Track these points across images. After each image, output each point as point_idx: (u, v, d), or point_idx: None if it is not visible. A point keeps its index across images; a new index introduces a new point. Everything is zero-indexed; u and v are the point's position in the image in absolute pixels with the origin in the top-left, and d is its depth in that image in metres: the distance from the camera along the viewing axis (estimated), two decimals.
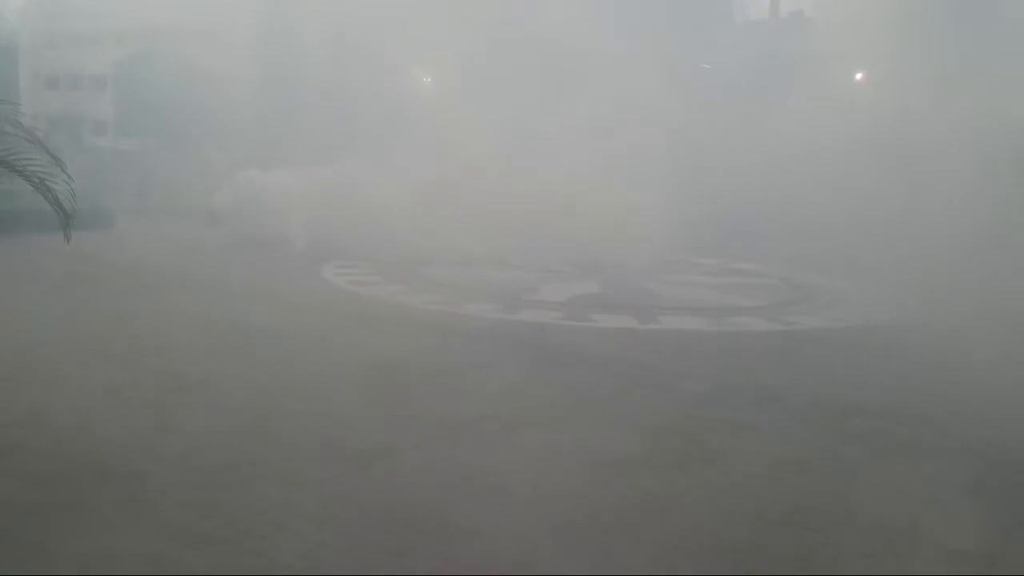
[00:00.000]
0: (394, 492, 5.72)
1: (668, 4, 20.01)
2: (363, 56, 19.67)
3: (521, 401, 7.90)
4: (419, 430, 6.92)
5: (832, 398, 8.42)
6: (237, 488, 5.65)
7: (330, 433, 6.79)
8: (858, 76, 22.13)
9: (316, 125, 19.80)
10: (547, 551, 4.99)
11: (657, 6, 19.57)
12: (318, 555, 4.83)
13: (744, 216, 15.89)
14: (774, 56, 20.10)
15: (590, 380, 8.82)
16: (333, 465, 6.13)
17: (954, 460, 6.80)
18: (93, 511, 5.22)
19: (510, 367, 9.22)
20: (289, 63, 23.67)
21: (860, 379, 9.34)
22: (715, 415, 7.72)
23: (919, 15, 17.29)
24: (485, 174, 15.79)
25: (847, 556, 5.09)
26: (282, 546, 4.90)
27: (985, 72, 16.47)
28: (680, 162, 15.74)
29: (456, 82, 18.83)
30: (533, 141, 16.18)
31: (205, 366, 8.59)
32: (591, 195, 15.25)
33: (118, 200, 18.50)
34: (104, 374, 8.13)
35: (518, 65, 17.45)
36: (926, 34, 16.97)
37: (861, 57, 20.47)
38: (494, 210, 14.94)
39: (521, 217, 14.92)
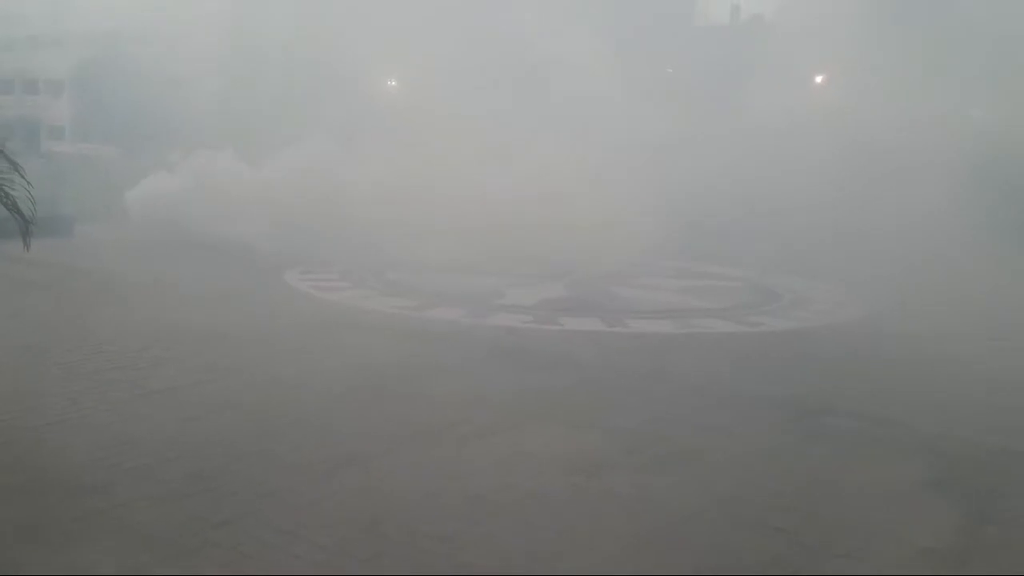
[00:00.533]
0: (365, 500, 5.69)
1: (629, 9, 20.12)
2: (331, 57, 19.48)
3: (491, 404, 7.88)
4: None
5: (796, 398, 8.52)
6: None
7: (300, 441, 6.73)
8: (818, 79, 22.41)
9: (280, 126, 19.56)
10: (520, 557, 4.99)
11: (618, 11, 19.67)
12: (289, 565, 4.79)
13: (710, 220, 16.00)
14: (735, 60, 20.29)
15: (560, 383, 8.82)
16: (302, 474, 6.08)
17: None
18: (57, 524, 5.13)
19: (480, 371, 9.20)
20: (254, 65, 23.43)
21: (824, 380, 9.44)
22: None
23: (877, 18, 17.55)
24: (451, 176, 15.73)
25: (818, 558, 5.16)
26: (250, 555, 4.85)
27: (945, 74, 16.78)
28: (646, 167, 15.76)
29: (422, 85, 18.74)
30: (499, 147, 16.13)
31: (166, 373, 8.48)
32: (558, 199, 15.24)
33: (77, 205, 18.15)
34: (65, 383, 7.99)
35: (484, 70, 17.42)
36: (885, 37, 17.23)
37: (821, 61, 20.74)
38: (460, 213, 14.91)
39: (488, 221, 14.87)
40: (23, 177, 6.80)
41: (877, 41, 17.26)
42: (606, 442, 6.97)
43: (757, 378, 9.35)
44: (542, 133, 16.10)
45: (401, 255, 15.14)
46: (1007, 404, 8.52)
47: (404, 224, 15.22)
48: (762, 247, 16.26)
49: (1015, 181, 16.52)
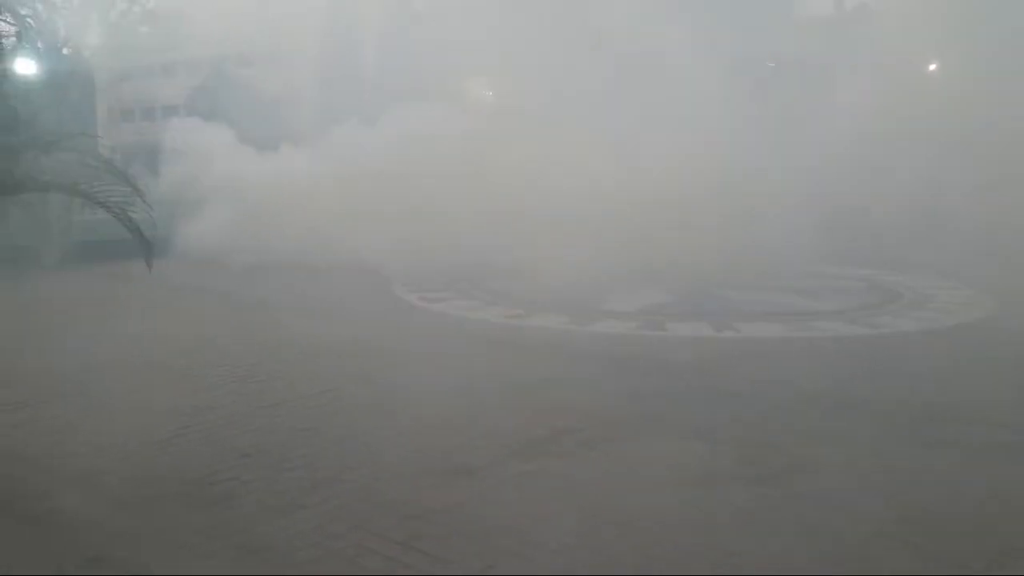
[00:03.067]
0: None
1: (727, 2, 19.64)
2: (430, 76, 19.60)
3: (599, 414, 7.76)
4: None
5: (919, 404, 8.08)
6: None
7: (408, 451, 6.77)
8: (931, 68, 21.45)
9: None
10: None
11: (716, 4, 19.21)
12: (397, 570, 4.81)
13: (824, 219, 15.39)
14: (840, 51, 19.60)
15: (668, 392, 8.63)
16: (413, 481, 6.12)
17: None
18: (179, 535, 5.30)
19: (585, 380, 9.09)
20: (353, 79, 23.93)
21: (949, 384, 8.94)
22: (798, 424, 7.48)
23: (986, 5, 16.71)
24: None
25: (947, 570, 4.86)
26: (367, 567, 4.88)
27: None
28: (748, 164, 15.29)
29: (521, 85, 18.55)
30: (604, 143, 15.84)
31: (281, 386, 8.69)
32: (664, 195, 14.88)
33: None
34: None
35: (583, 67, 17.18)
36: (994, 24, 16.39)
37: (931, 50, 19.83)
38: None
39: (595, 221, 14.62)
40: (144, 200, 7.09)
41: (986, 27, 16.42)
42: (719, 453, 6.75)
43: (876, 383, 8.91)
44: (646, 129, 15.81)
45: (510, 259, 15.03)
46: None
47: (510, 223, 15.06)
48: (882, 245, 15.63)
49: None
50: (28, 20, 35.30)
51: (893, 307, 13.31)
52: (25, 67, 24.14)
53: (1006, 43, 16.26)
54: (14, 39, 28.34)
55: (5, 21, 31.26)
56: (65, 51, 33.60)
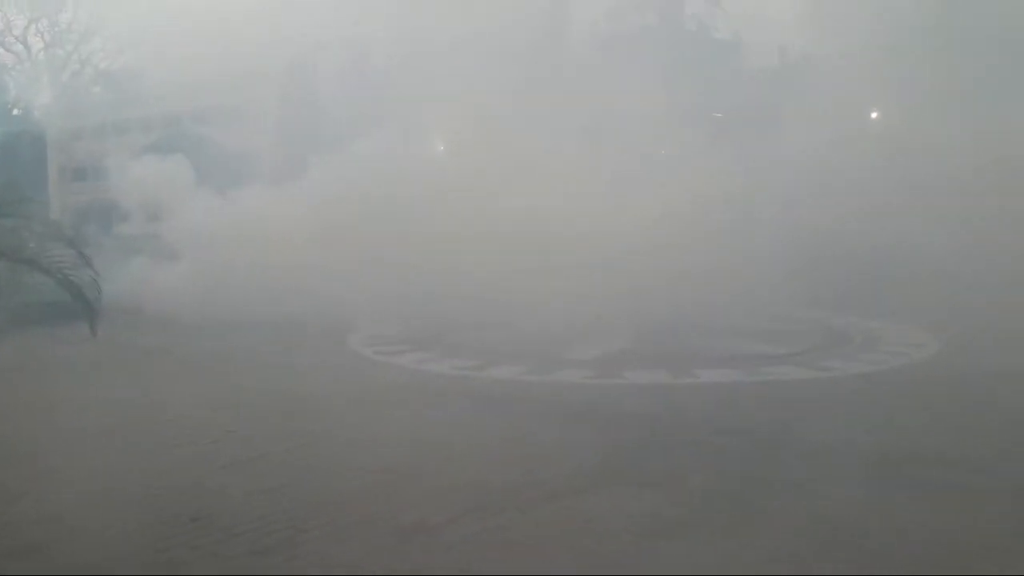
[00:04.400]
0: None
1: (674, 54, 20.16)
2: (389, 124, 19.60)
3: (557, 467, 7.71)
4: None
5: (876, 447, 8.17)
6: None
7: (364, 509, 6.66)
8: (873, 114, 22.13)
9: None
10: None
11: (664, 56, 19.69)
12: None
13: (771, 262, 15.66)
14: (787, 99, 20.13)
15: (624, 441, 8.62)
16: (370, 542, 6.01)
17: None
18: None
19: (541, 432, 9.06)
20: (312, 133, 23.87)
21: (903, 426, 9.06)
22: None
23: (923, 40, 17.37)
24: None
25: None
26: None
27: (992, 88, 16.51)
28: (709, 211, 15.52)
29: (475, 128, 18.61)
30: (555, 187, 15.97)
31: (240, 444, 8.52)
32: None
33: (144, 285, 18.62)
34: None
35: (526, 108, 17.39)
36: (932, 58, 17.02)
37: (877, 92, 20.46)
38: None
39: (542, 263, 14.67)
40: (90, 266, 6.99)
41: (926, 62, 17.03)
42: (679, 503, 6.73)
43: (833, 428, 8.99)
44: (612, 179, 16.01)
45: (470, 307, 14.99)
46: None
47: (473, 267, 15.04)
48: (829, 287, 15.91)
49: None
50: None
51: (844, 350, 13.49)
52: None
53: (945, 84, 16.85)
54: None
55: None
56: (16, 112, 33.41)
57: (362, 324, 15.68)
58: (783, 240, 15.42)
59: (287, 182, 19.94)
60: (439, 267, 15.33)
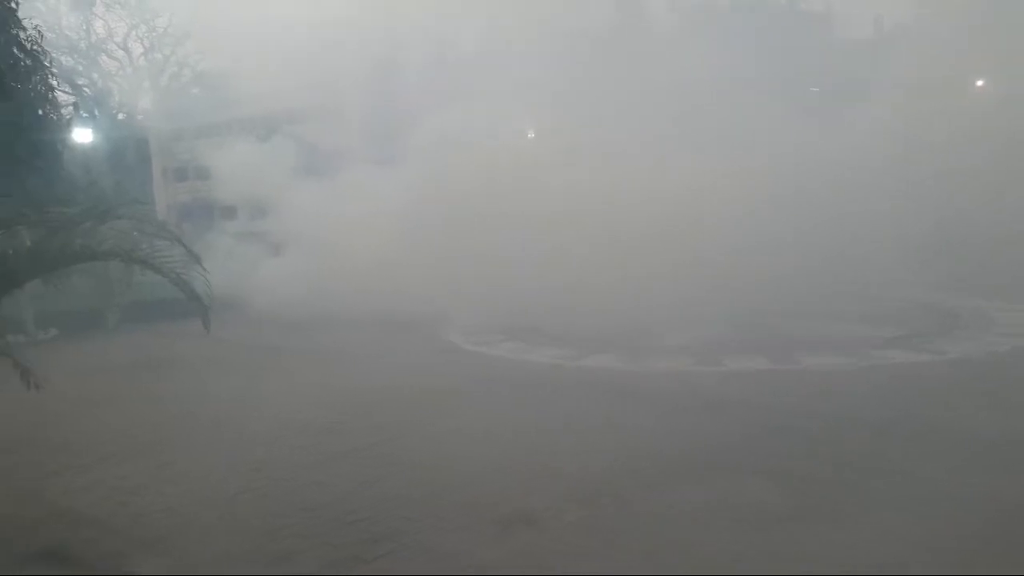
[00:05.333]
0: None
1: (765, 28, 19.57)
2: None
3: (657, 455, 7.65)
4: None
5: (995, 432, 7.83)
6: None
7: (467, 499, 6.75)
8: (978, 83, 21.10)
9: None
10: None
11: (754, 31, 19.15)
12: None
13: (879, 242, 15.09)
14: (881, 73, 19.31)
15: (727, 430, 8.48)
16: (473, 531, 6.08)
17: None
18: None
19: (641, 421, 8.99)
20: (402, 130, 24.16)
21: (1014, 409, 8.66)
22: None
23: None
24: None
25: None
26: None
27: None
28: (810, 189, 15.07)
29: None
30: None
31: (339, 438, 8.74)
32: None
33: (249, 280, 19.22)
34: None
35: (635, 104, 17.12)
36: None
37: (975, 65, 19.49)
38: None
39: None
40: (200, 264, 7.25)
41: None
42: (791, 493, 6.59)
43: (948, 412, 8.66)
44: (697, 153, 15.70)
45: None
46: None
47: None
48: (936, 266, 15.30)
49: None
50: (85, 89, 36.82)
51: (956, 331, 12.96)
52: (82, 136, 24.99)
53: None
54: (71, 109, 29.53)
55: (64, 92, 32.65)
56: (120, 116, 34.90)
57: (457, 315, 15.82)
58: (885, 219, 14.87)
59: (380, 179, 20.23)
60: (531, 257, 15.33)
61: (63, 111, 25.93)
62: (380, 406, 10.04)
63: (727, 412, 9.11)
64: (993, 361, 11.12)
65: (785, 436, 8.12)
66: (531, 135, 20.39)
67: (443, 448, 8.22)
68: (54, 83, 24.16)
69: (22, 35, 21.39)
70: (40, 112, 20.71)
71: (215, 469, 7.94)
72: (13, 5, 21.37)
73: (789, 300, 14.33)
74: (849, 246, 14.42)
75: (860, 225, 14.83)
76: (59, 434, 9.36)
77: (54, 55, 26.05)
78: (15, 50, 21.05)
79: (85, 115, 30.48)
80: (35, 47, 21.65)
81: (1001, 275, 15.11)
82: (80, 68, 37.44)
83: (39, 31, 22.55)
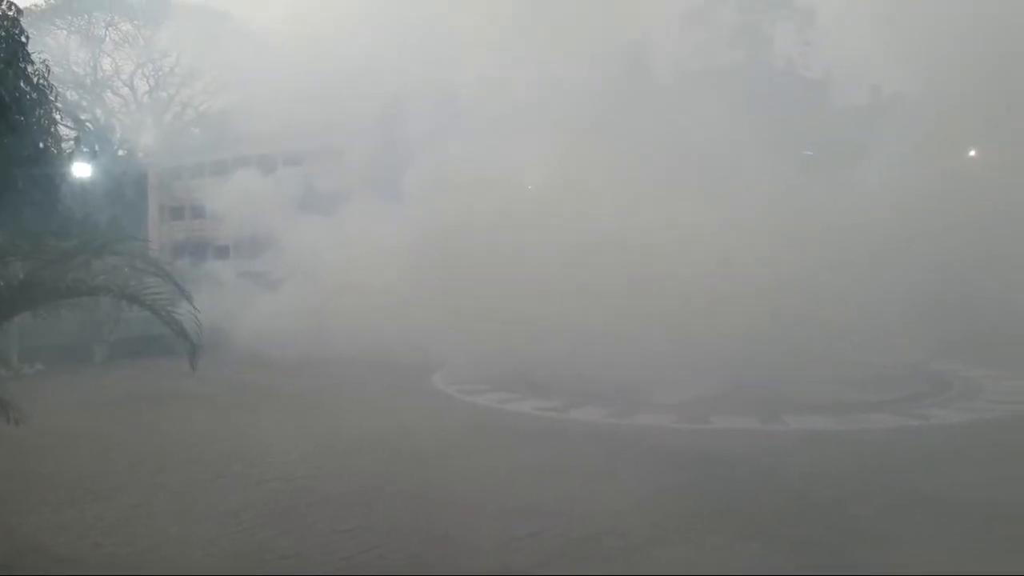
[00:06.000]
0: None
1: (763, 92, 19.81)
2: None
3: (642, 513, 7.58)
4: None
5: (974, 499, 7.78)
6: None
7: (448, 552, 6.66)
8: (971, 153, 21.36)
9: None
10: None
11: (752, 95, 19.39)
12: None
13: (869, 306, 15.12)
14: (876, 138, 19.54)
15: (713, 489, 8.42)
16: None
17: None
18: None
19: (626, 476, 8.92)
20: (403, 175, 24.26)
21: (1007, 479, 8.61)
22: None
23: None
24: None
25: None
26: None
27: None
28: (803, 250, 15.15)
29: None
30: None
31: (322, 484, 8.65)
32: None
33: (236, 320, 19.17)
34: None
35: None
36: None
37: (971, 137, 19.74)
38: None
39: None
40: (190, 303, 7.24)
41: None
42: (770, 554, 6.52)
43: (933, 479, 8.60)
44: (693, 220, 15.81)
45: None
46: None
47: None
48: (927, 332, 15.31)
49: None
50: (88, 124, 37.12)
51: (943, 397, 12.97)
52: (81, 170, 25.12)
53: None
54: (73, 143, 29.73)
55: (67, 126, 32.91)
56: (121, 153, 35.11)
57: (448, 362, 15.79)
58: (879, 282, 14.93)
59: (379, 219, 20.32)
60: (525, 303, 15.34)
61: (64, 145, 26.18)
62: (362, 453, 9.95)
63: (713, 471, 9.04)
64: (980, 429, 11.08)
65: (771, 497, 8.05)
66: (530, 186, 20.46)
67: (423, 499, 8.12)
68: (57, 117, 24.41)
69: (30, 68, 21.68)
70: (41, 145, 20.87)
71: (193, 511, 7.84)
72: (23, 39, 21.70)
73: (780, 358, 14.31)
74: (842, 307, 14.44)
75: (853, 286, 14.88)
76: (37, 470, 9.24)
77: (60, 89, 26.38)
78: (22, 83, 21.31)
79: (86, 150, 30.65)
80: (41, 81, 21.93)
81: (994, 342, 15.14)
82: (84, 103, 37.84)
83: (47, 65, 22.88)
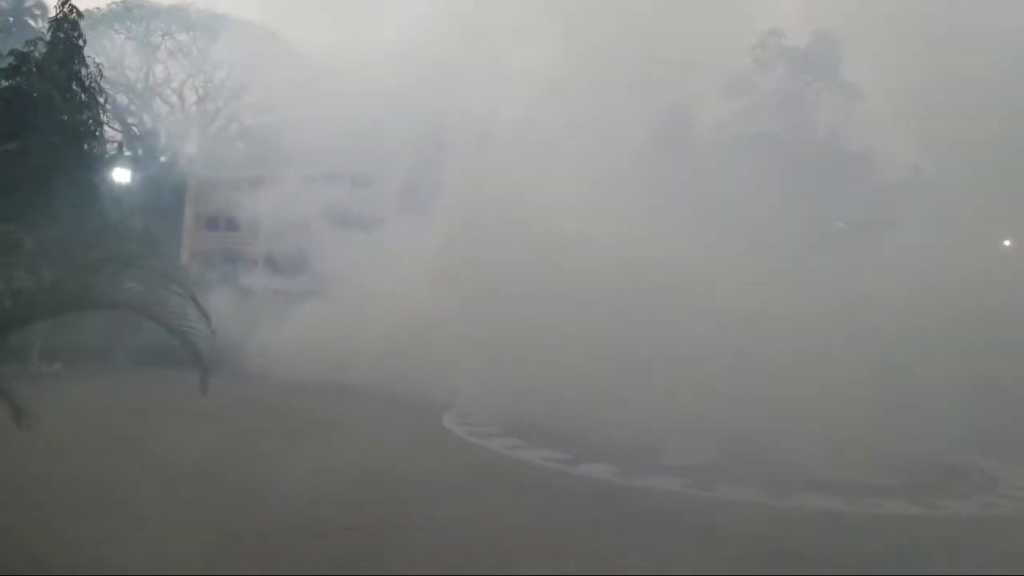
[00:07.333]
0: None
1: (802, 166, 19.81)
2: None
3: None
4: None
5: None
6: None
7: None
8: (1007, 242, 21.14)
9: None
10: None
11: (790, 163, 19.38)
12: None
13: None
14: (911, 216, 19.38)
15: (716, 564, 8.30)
16: None
17: None
18: None
19: (628, 540, 8.81)
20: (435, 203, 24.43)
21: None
22: None
23: None
24: None
25: None
26: None
27: None
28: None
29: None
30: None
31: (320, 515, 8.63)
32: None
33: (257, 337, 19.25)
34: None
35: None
36: None
37: (1005, 224, 19.52)
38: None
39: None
40: (209, 327, 7.28)
41: None
42: None
43: (937, 570, 8.42)
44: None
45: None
46: None
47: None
48: (948, 418, 15.06)
49: None
50: (133, 128, 37.85)
51: (958, 487, 12.72)
52: (122, 174, 25.50)
53: None
54: (116, 146, 30.32)
55: (113, 128, 33.60)
56: (163, 159, 35.72)
57: (460, 402, 15.76)
58: (905, 366, 14.73)
59: (411, 247, 20.47)
60: (546, 348, 15.29)
61: (108, 146, 26.70)
62: (361, 488, 9.93)
63: (715, 542, 8.90)
64: (991, 522, 10.85)
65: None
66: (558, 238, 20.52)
67: (415, 545, 8.07)
68: (105, 119, 24.97)
69: (83, 71, 22.24)
70: (85, 147, 21.34)
71: (186, 531, 7.82)
72: (81, 42, 22.27)
73: (794, 433, 14.10)
74: (864, 387, 14.23)
75: (876, 367, 14.67)
76: (45, 474, 9.28)
77: (111, 92, 27.00)
78: (74, 85, 21.85)
79: (128, 154, 31.23)
80: (93, 84, 22.48)
81: (1016, 437, 14.82)
82: (133, 108, 38.62)
83: (100, 69, 23.44)
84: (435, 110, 24.25)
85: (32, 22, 34.46)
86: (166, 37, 39.09)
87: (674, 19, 19.01)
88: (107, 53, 34.15)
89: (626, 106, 19.05)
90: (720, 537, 9.17)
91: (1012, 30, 17.13)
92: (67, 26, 22.14)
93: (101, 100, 23.21)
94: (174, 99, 39.49)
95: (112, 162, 25.05)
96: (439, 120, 24.92)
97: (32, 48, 21.55)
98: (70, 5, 22.13)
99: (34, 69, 20.81)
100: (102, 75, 23.64)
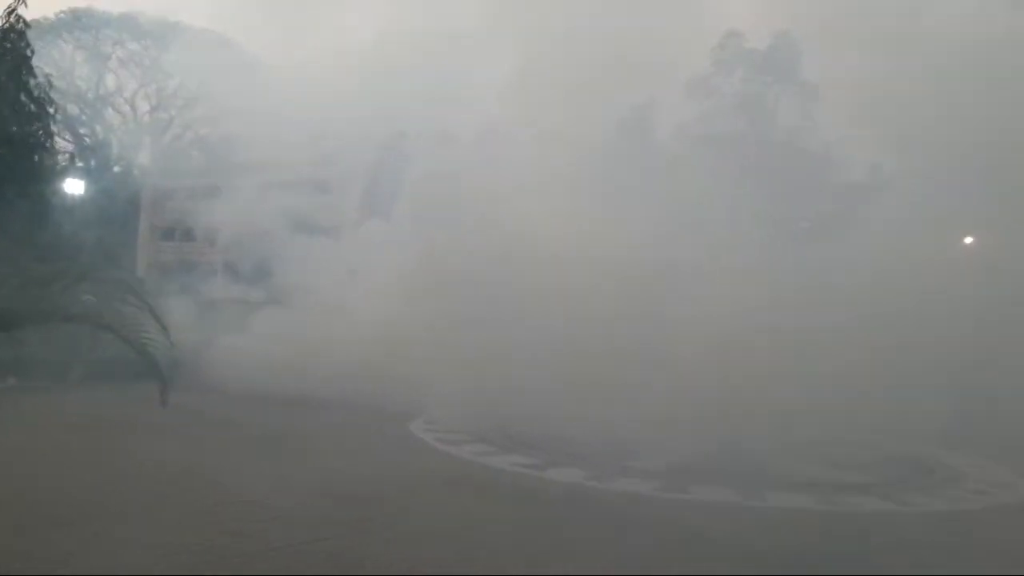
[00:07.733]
0: None
1: (765, 166, 19.92)
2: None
3: None
4: None
5: None
6: None
7: None
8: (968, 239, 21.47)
9: None
10: None
11: (751, 163, 19.49)
12: None
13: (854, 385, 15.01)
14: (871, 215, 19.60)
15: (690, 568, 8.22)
16: None
17: None
18: None
19: (598, 546, 8.71)
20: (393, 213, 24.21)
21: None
22: None
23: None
24: None
25: None
26: None
27: None
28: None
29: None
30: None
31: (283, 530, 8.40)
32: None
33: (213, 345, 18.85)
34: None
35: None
36: None
37: (967, 221, 19.82)
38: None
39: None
40: (168, 339, 7.07)
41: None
42: None
43: (910, 566, 8.44)
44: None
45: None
46: None
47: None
48: (910, 415, 15.20)
49: None
50: (85, 139, 37.07)
51: (925, 483, 12.81)
52: (75, 186, 24.95)
53: None
54: (68, 157, 29.65)
55: (64, 139, 32.86)
56: (116, 170, 34.99)
57: (427, 409, 15.56)
58: (869, 362, 14.82)
59: (373, 254, 20.24)
60: (517, 354, 15.17)
61: (59, 158, 26.11)
62: (330, 498, 9.69)
63: (688, 544, 8.85)
64: (959, 517, 10.93)
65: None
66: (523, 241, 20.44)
67: (379, 558, 7.84)
68: (55, 130, 24.36)
69: (32, 82, 21.67)
70: (36, 158, 20.81)
71: (151, 546, 7.55)
72: (28, 53, 21.71)
73: (765, 432, 14.13)
74: (831, 386, 14.30)
75: (842, 365, 14.75)
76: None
77: (61, 103, 26.38)
78: (22, 96, 21.28)
79: (81, 164, 30.56)
80: (42, 95, 21.92)
81: (982, 428, 15.01)
82: (84, 118, 37.85)
83: (49, 80, 22.87)
84: (393, 115, 24.06)
85: None
86: (117, 46, 38.37)
87: (635, 21, 19.06)
88: (56, 63, 33.42)
89: (588, 109, 19.00)
90: (693, 538, 9.11)
91: (971, 29, 17.41)
92: (13, 36, 21.56)
93: (51, 111, 22.66)
94: (126, 109, 38.82)
95: (64, 173, 24.50)
96: (397, 125, 24.77)
97: None
98: (16, 15, 21.53)
99: None
100: (51, 85, 23.08)
